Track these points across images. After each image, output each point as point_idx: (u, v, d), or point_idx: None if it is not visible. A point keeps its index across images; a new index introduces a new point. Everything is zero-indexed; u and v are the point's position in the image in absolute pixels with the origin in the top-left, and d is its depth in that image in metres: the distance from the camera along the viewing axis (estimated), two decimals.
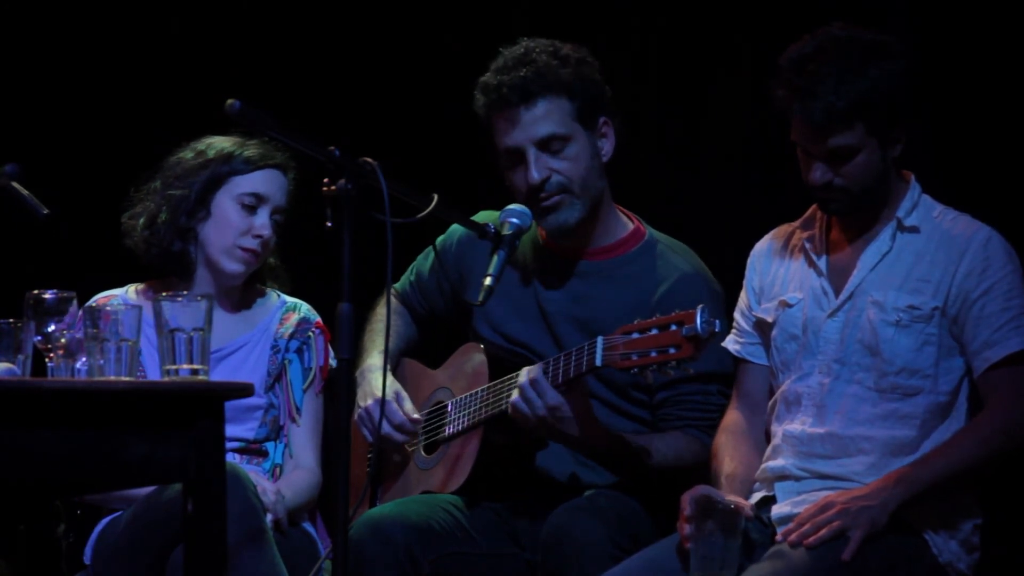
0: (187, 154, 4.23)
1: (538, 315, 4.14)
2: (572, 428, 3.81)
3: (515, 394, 3.79)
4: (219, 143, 4.21)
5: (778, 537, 3.66)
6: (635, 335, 3.65)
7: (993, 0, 4.63)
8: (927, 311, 3.71)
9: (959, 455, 3.63)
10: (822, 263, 3.83)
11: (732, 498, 3.66)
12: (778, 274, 3.90)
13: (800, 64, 3.68)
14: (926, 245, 3.75)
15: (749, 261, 3.99)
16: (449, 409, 4.12)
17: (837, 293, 3.79)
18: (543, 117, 4.04)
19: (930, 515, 3.66)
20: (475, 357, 4.12)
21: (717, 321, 3.59)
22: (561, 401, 3.76)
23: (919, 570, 3.64)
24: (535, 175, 4.03)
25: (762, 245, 3.99)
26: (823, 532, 3.57)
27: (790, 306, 3.84)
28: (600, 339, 3.71)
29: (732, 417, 3.92)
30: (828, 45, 3.68)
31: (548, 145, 4.04)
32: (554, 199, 4.04)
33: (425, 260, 4.38)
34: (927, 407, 3.70)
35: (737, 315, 3.98)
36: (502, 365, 4.03)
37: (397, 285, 4.42)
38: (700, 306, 3.58)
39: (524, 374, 3.80)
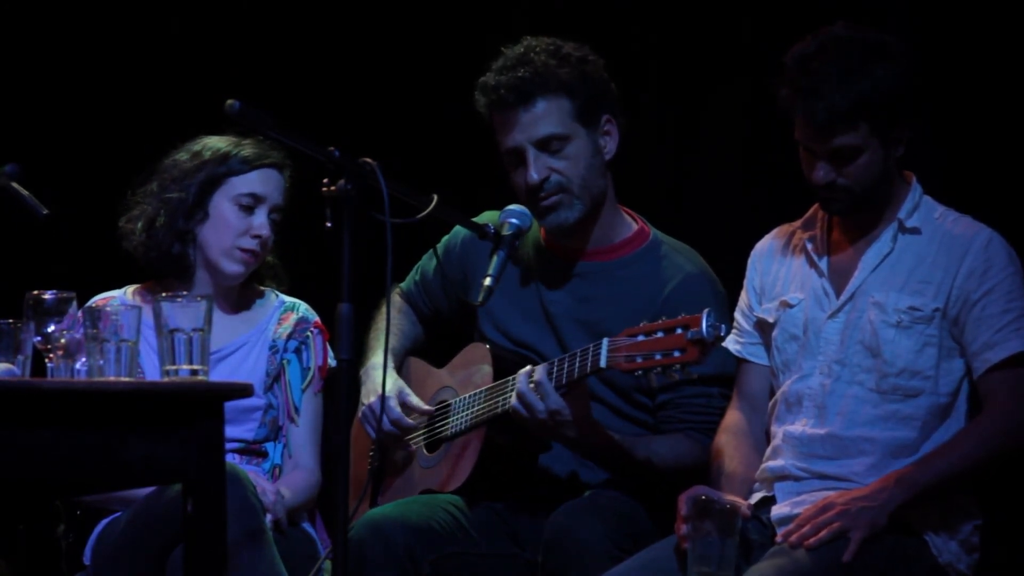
0: (182, 156, 4.22)
1: (542, 316, 4.14)
2: (571, 431, 3.81)
3: (513, 398, 3.79)
4: (214, 143, 4.21)
5: (778, 538, 3.65)
6: (640, 338, 3.65)
7: (993, 0, 4.62)
8: (928, 312, 3.70)
9: (959, 456, 3.63)
10: (823, 264, 3.83)
11: (729, 497, 3.66)
12: (779, 274, 3.90)
13: (803, 64, 3.67)
14: (927, 246, 3.75)
15: (750, 261, 3.99)
16: (452, 408, 4.12)
17: (838, 294, 3.79)
18: (541, 117, 4.03)
19: (930, 516, 3.66)
20: (480, 357, 4.13)
21: (723, 326, 3.59)
22: (562, 405, 3.76)
23: (919, 570, 3.64)
24: (534, 175, 4.03)
25: (763, 245, 3.98)
26: (823, 533, 3.57)
27: (791, 306, 3.84)
28: (605, 341, 3.71)
29: (732, 417, 3.92)
30: (831, 45, 3.68)
31: (547, 145, 4.04)
32: (553, 199, 4.04)
33: (430, 261, 4.39)
34: (928, 408, 3.70)
35: (738, 315, 3.97)
36: (506, 365, 4.03)
37: (403, 285, 4.42)
38: (706, 310, 3.58)
39: (523, 378, 3.79)
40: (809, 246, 3.86)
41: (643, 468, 3.93)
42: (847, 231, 3.83)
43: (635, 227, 4.18)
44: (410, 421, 4.14)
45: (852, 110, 3.63)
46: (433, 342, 4.42)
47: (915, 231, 3.77)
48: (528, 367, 3.83)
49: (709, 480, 3.84)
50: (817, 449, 3.73)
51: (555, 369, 3.81)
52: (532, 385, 3.79)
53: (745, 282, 3.98)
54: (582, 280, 4.13)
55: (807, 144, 3.71)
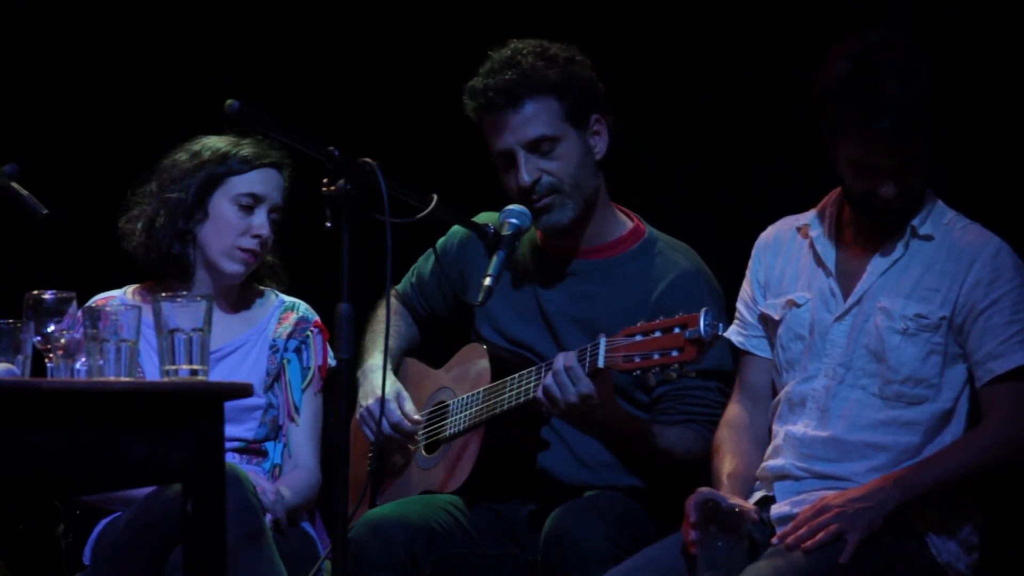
0: (181, 156, 4.22)
1: (538, 315, 4.14)
2: (600, 415, 3.81)
3: (548, 377, 3.78)
4: (213, 143, 4.21)
5: (774, 540, 3.64)
6: (638, 337, 3.65)
7: (994, 2, 4.62)
8: (935, 320, 3.69)
9: (956, 463, 3.63)
10: (831, 263, 3.81)
11: (735, 500, 3.65)
12: (785, 270, 3.88)
13: (853, 83, 3.61)
14: (936, 254, 3.73)
15: (754, 251, 3.96)
16: (450, 409, 4.12)
17: (845, 296, 3.77)
18: (531, 119, 4.03)
19: (929, 515, 3.66)
20: (477, 357, 4.12)
21: (720, 324, 3.59)
22: (593, 389, 3.76)
23: (918, 570, 3.64)
24: (525, 177, 4.03)
25: (767, 236, 3.95)
26: (820, 536, 3.56)
27: (798, 306, 3.82)
28: (603, 340, 3.71)
29: (733, 411, 3.91)
30: (870, 57, 3.61)
31: (537, 147, 4.04)
32: (545, 200, 4.04)
33: (426, 261, 4.39)
34: (931, 414, 3.70)
35: (740, 306, 3.95)
36: (504, 366, 4.04)
37: (398, 286, 4.42)
38: (704, 309, 3.58)
39: (560, 360, 3.78)
40: (818, 244, 3.84)
41: (656, 454, 3.93)
42: (858, 232, 3.80)
43: (630, 225, 4.18)
44: (409, 425, 4.13)
45: (918, 117, 3.59)
46: (430, 343, 4.42)
47: (927, 238, 3.74)
48: (563, 353, 3.81)
49: (710, 476, 3.83)
50: (819, 451, 3.73)
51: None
52: (565, 369, 3.77)
53: (748, 273, 3.96)
54: (577, 278, 4.14)
55: (870, 162, 3.65)
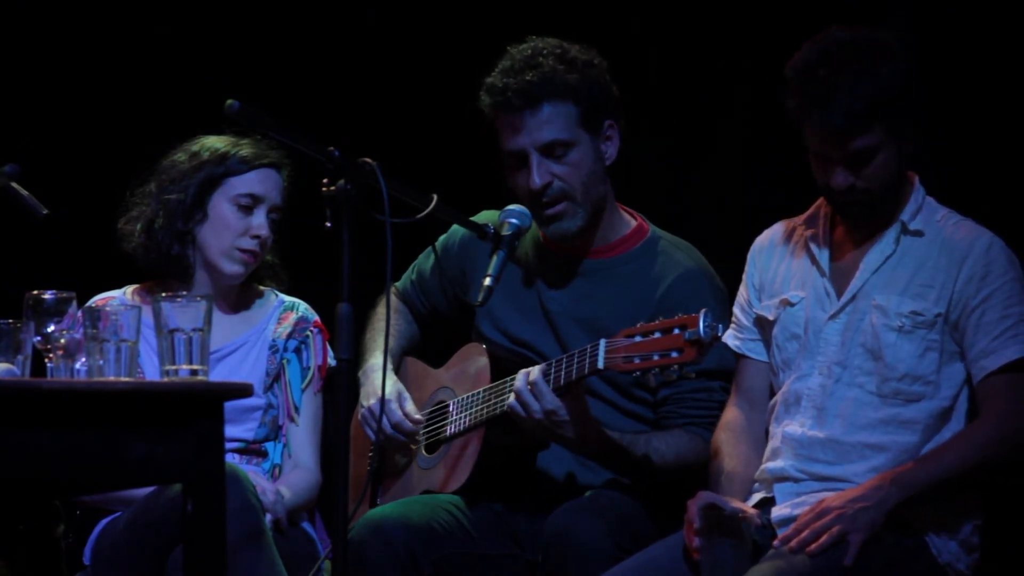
0: (180, 156, 4.22)
1: (541, 315, 4.14)
2: (569, 431, 3.81)
3: (511, 397, 3.79)
4: (212, 143, 4.21)
5: (776, 543, 3.63)
6: (638, 338, 3.65)
7: (993, 0, 4.62)
8: (930, 317, 3.69)
9: (953, 459, 3.62)
10: (825, 262, 3.82)
11: (738, 504, 3.65)
12: (779, 271, 3.89)
13: (810, 72, 3.65)
14: (929, 250, 3.73)
15: (749, 256, 3.97)
16: (451, 409, 4.12)
17: (839, 294, 3.78)
18: (547, 123, 4.02)
19: (930, 515, 3.66)
20: (477, 357, 4.12)
21: (720, 325, 3.59)
22: (558, 405, 3.76)
23: (918, 570, 3.64)
24: (537, 180, 4.02)
25: (763, 240, 3.97)
26: (824, 539, 3.55)
27: (792, 305, 3.83)
28: (603, 342, 3.71)
29: (731, 414, 3.91)
30: (833, 49, 3.66)
31: (551, 151, 4.03)
32: (557, 207, 4.03)
33: (427, 260, 4.38)
34: (929, 412, 3.70)
35: (737, 310, 3.96)
36: (504, 365, 4.03)
37: (398, 284, 4.42)
38: (704, 310, 3.58)
39: (521, 377, 3.79)
40: (811, 244, 3.85)
41: (644, 467, 3.93)
42: (850, 231, 3.81)
43: (633, 224, 4.18)
44: (410, 425, 4.13)
45: (867, 112, 3.61)
46: (430, 341, 4.42)
47: (918, 234, 3.75)
48: (526, 369, 3.83)
49: (708, 479, 3.83)
50: (817, 453, 3.72)
51: (553, 370, 3.81)
52: (529, 386, 3.79)
53: (744, 277, 3.96)
54: (580, 278, 4.13)
55: (822, 151, 3.68)
